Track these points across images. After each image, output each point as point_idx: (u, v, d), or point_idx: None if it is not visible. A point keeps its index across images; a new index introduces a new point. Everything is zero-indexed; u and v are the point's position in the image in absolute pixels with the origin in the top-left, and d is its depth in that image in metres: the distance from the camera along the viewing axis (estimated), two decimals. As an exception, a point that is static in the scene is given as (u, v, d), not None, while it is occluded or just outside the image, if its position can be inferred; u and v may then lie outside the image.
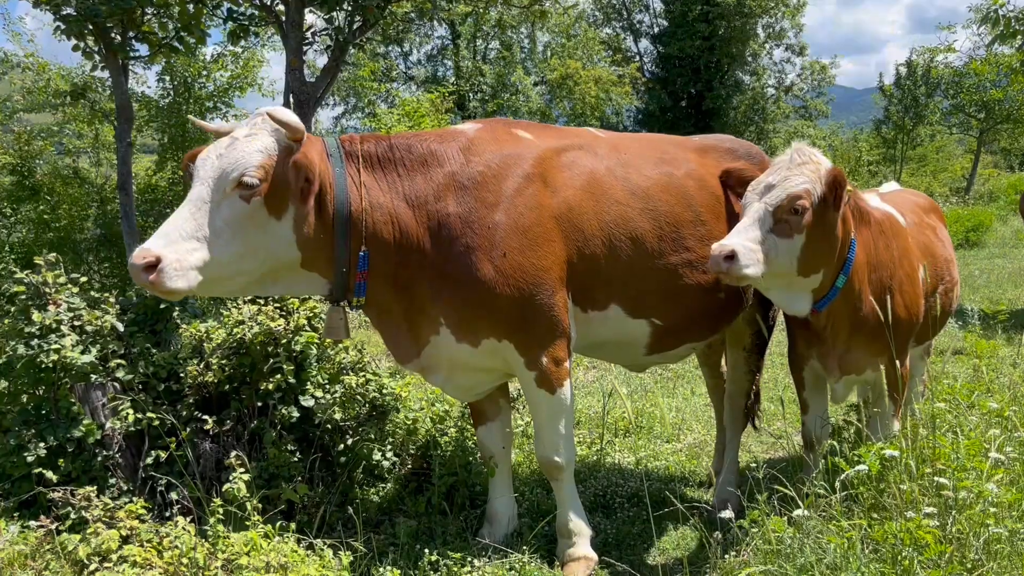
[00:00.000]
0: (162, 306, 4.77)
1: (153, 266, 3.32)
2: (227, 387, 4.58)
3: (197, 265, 3.44)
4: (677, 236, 4.31)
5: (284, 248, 3.68)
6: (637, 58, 43.49)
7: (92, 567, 3.48)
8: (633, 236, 4.19)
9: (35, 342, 4.27)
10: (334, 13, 10.14)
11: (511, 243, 3.86)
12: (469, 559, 4.00)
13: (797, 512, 3.38)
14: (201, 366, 4.59)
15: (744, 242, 3.64)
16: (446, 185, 3.89)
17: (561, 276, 4.01)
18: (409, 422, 5.05)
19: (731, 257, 3.57)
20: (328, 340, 4.67)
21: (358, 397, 4.80)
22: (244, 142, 3.57)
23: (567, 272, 4.03)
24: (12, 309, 4.45)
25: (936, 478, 3.39)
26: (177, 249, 3.39)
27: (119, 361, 4.46)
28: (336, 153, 3.84)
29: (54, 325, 4.34)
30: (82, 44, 8.99)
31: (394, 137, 4.03)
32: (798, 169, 3.76)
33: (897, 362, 4.16)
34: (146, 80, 14.38)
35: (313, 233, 3.71)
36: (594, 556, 4.28)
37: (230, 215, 3.51)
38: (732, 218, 4.53)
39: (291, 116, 3.66)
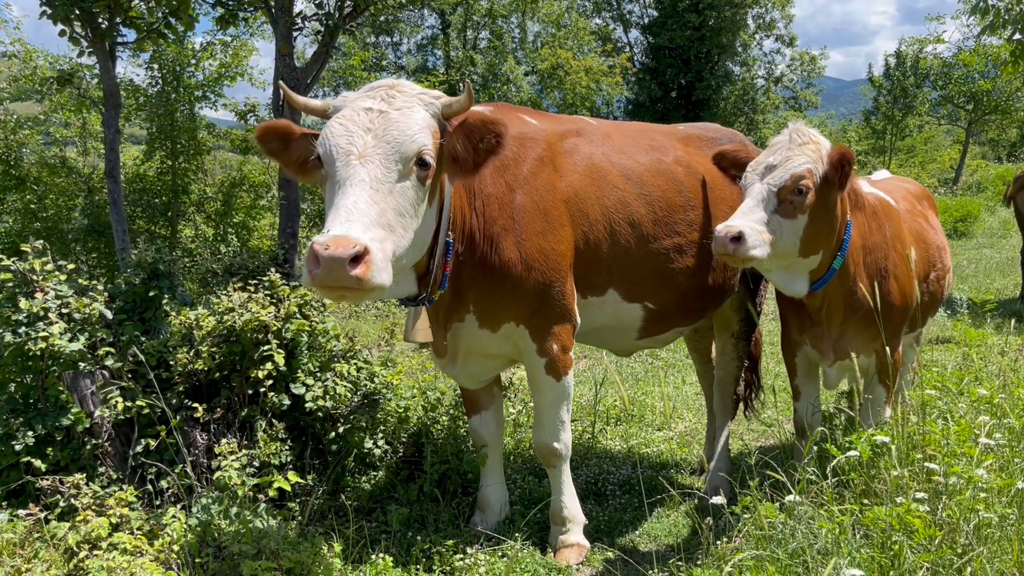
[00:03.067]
0: (151, 293, 4.74)
1: (360, 257, 2.77)
2: (217, 375, 4.55)
3: (391, 257, 2.97)
4: (670, 220, 4.34)
5: (430, 235, 3.41)
6: (627, 48, 43.41)
7: (82, 554, 3.46)
8: (631, 221, 4.21)
9: (22, 330, 4.22)
10: (324, -2, 10.08)
11: (535, 226, 3.85)
12: (461, 546, 4.00)
13: (789, 498, 3.38)
14: (191, 354, 4.55)
15: (750, 223, 3.62)
16: None
17: (571, 262, 4.02)
18: (401, 410, 5.04)
19: (738, 238, 3.55)
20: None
21: (349, 385, 4.78)
22: (402, 115, 3.18)
23: (573, 258, 4.04)
24: (-1, 296, 4.40)
25: (926, 464, 3.40)
26: (374, 237, 2.88)
27: (108, 349, 4.42)
28: None
29: (41, 312, 4.29)
30: (68, 29, 8.89)
31: None
32: (799, 149, 3.75)
33: (889, 348, 4.17)
34: (136, 63, 14.24)
35: (434, 218, 3.47)
36: (587, 544, 4.29)
37: (412, 198, 3.13)
38: (720, 204, 4.54)
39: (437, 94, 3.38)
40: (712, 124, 5.24)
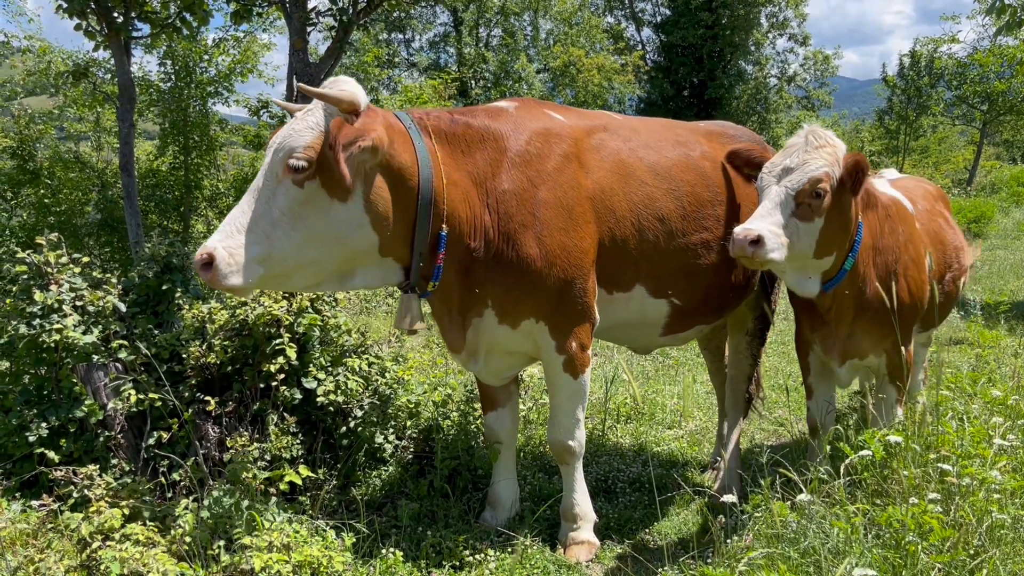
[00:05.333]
0: (164, 287, 4.76)
1: (209, 264, 3.22)
2: (229, 368, 4.57)
3: (255, 259, 3.29)
4: (698, 216, 4.32)
5: (355, 233, 3.50)
6: (640, 46, 43.29)
7: (95, 545, 3.48)
8: (659, 216, 4.19)
9: (37, 322, 4.25)
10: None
11: (558, 222, 3.84)
12: (471, 542, 4.00)
13: (801, 497, 3.37)
14: (203, 347, 4.57)
15: (769, 226, 3.62)
16: (499, 161, 3.83)
17: (594, 259, 4.00)
18: (411, 406, 5.05)
19: (756, 242, 3.55)
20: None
21: (361, 380, 4.79)
22: (298, 120, 3.41)
23: (598, 254, 4.03)
24: (14, 289, 4.43)
25: (940, 464, 3.38)
26: (231, 244, 3.26)
27: (121, 342, 4.44)
28: (412, 126, 3.69)
29: (56, 305, 4.32)
30: (84, 23, 8.93)
31: (452, 112, 3.95)
32: (816, 152, 3.74)
33: (900, 347, 4.15)
34: (149, 53, 14.31)
35: (391, 213, 3.55)
36: (596, 541, 4.29)
37: (285, 203, 3.34)
38: (745, 201, 4.52)
39: (340, 88, 3.44)
40: (729, 123, 5.22)
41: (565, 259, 3.85)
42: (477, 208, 3.78)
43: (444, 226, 3.67)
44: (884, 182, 4.66)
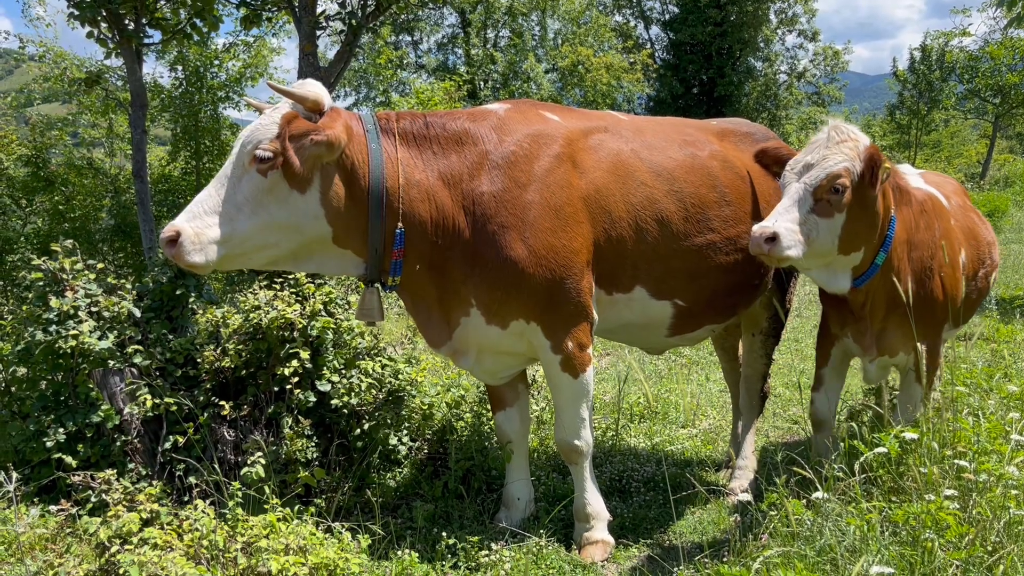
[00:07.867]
0: (178, 292, 4.79)
1: (174, 240, 3.42)
2: (244, 372, 4.59)
3: (217, 239, 3.50)
4: (702, 217, 4.30)
5: (311, 223, 3.67)
6: (648, 45, 43.22)
7: (113, 549, 3.49)
8: (659, 218, 4.17)
9: (53, 328, 4.29)
10: (347, -2, 10.14)
11: (544, 223, 3.85)
12: (486, 542, 4.00)
13: (816, 495, 3.36)
14: (218, 351, 4.60)
15: (785, 224, 3.61)
16: (479, 164, 3.87)
17: (588, 259, 3.99)
18: (425, 407, 5.05)
19: (772, 239, 3.55)
20: (362, 324, 4.72)
21: (374, 382, 4.81)
22: (266, 115, 3.62)
23: (593, 255, 4.02)
24: (30, 295, 4.47)
25: (956, 461, 3.37)
26: (197, 224, 3.47)
27: (136, 347, 4.47)
28: (372, 128, 3.81)
29: (72, 311, 4.36)
30: (95, 31, 9.00)
31: (428, 115, 4.01)
32: (836, 147, 3.72)
33: (931, 346, 4.11)
34: (163, 62, 14.42)
35: (344, 208, 3.70)
36: (611, 540, 4.29)
37: (249, 190, 3.55)
38: (758, 199, 4.50)
39: (307, 88, 3.65)
40: (744, 120, 5.19)
41: (552, 259, 3.85)
42: (448, 208, 3.82)
43: (400, 224, 3.76)
44: (917, 177, 4.62)
